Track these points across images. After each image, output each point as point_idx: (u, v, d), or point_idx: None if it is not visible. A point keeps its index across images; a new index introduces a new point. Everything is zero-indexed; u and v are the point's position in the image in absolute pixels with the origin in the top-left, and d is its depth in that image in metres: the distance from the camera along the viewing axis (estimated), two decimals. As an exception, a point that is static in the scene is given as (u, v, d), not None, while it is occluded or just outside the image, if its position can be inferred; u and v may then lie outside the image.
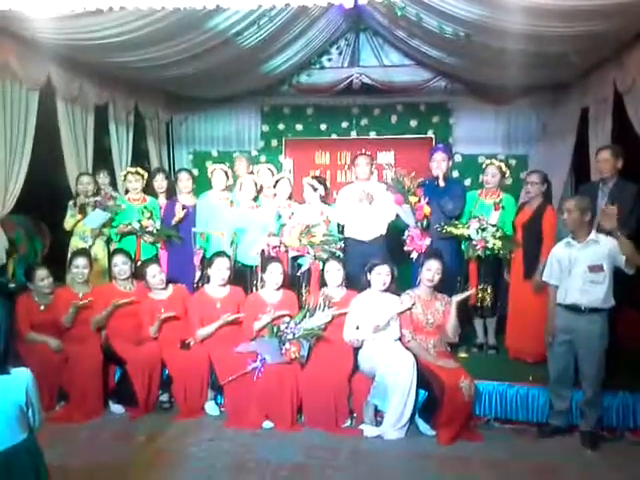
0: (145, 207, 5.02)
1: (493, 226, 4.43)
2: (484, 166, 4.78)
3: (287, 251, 4.70)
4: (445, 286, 4.20)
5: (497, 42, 4.64)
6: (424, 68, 6.65)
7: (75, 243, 4.95)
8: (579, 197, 3.76)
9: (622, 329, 4.11)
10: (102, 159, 5.91)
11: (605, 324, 3.55)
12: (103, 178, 5.24)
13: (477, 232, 4.41)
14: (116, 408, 4.12)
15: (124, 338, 4.18)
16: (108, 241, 5.06)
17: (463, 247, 4.60)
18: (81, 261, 4.33)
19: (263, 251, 4.68)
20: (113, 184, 5.51)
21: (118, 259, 4.36)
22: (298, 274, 4.76)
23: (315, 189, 4.84)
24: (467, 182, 6.44)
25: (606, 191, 4.17)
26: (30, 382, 2.18)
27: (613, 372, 3.70)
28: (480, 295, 4.56)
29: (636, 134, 4.41)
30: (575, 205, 3.56)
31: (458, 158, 6.73)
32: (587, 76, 5.43)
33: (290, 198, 5.01)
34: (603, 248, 3.51)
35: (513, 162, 6.53)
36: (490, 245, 4.38)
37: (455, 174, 6.49)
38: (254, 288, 4.71)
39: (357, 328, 4.03)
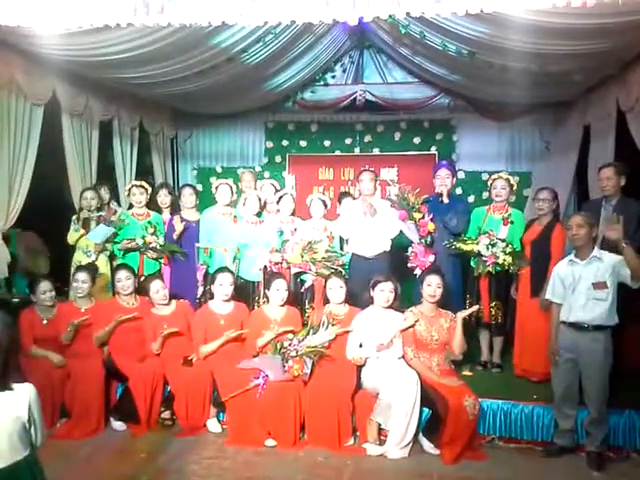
0: (149, 222, 5.04)
1: (503, 241, 4.41)
2: (491, 181, 4.77)
3: (289, 267, 4.69)
4: (451, 303, 4.19)
5: (500, 60, 4.68)
6: (427, 85, 6.70)
7: (78, 258, 4.95)
8: (586, 213, 3.75)
9: (627, 347, 4.08)
10: (106, 174, 5.94)
11: (609, 342, 3.52)
12: (104, 193, 5.25)
13: (487, 248, 4.39)
14: (118, 425, 4.08)
15: (126, 354, 4.16)
16: (111, 256, 5.06)
17: (473, 263, 4.57)
18: (81, 276, 4.33)
19: (265, 267, 4.68)
20: (117, 199, 5.52)
21: (121, 274, 4.35)
22: (302, 290, 4.75)
23: (325, 205, 4.85)
24: (470, 199, 6.46)
25: (609, 209, 4.17)
26: (33, 398, 2.16)
27: (619, 391, 3.67)
28: (493, 312, 4.52)
29: (638, 152, 4.42)
30: (585, 221, 3.55)
31: (461, 175, 6.74)
32: (590, 94, 5.47)
33: (293, 214, 5.02)
34: (606, 264, 3.50)
35: (516, 179, 6.50)
36: (500, 261, 4.36)
37: (458, 191, 6.50)
38: (256, 304, 4.70)
39: (360, 346, 4.01)
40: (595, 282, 3.50)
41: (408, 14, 3.15)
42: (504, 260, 4.35)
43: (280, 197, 5.00)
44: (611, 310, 3.50)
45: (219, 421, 4.11)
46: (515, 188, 4.80)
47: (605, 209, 4.20)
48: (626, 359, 4.02)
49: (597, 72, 4.79)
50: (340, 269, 4.53)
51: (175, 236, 4.96)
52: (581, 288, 3.55)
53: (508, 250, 4.37)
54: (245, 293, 4.75)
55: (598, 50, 4.09)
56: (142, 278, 4.70)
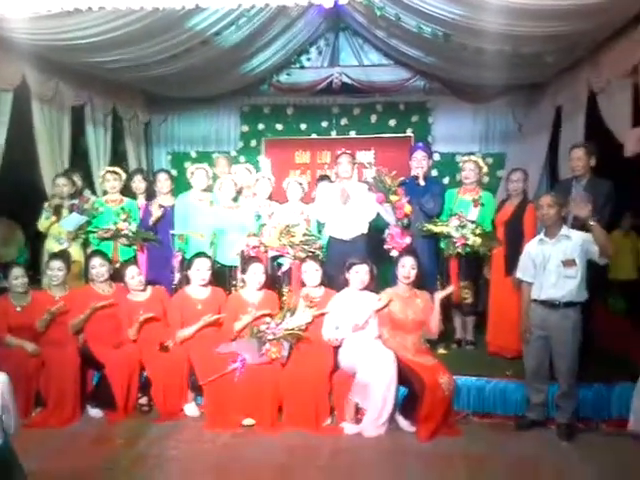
0: (122, 208, 4.98)
1: (472, 223, 4.47)
2: (461, 163, 4.82)
3: (266, 251, 4.69)
4: (425, 284, 4.24)
5: (475, 42, 4.70)
6: (403, 68, 6.69)
7: (50, 245, 4.88)
8: (556, 193, 3.82)
9: (596, 323, 4.19)
10: (79, 161, 5.84)
11: (578, 318, 3.61)
12: (77, 180, 5.17)
13: (457, 229, 4.45)
14: (94, 412, 4.07)
15: (102, 341, 4.14)
16: (85, 243, 5.00)
17: (442, 245, 4.63)
18: (56, 263, 4.27)
19: (243, 251, 4.67)
20: (91, 186, 5.44)
21: (95, 261, 4.31)
22: (279, 274, 4.76)
23: (302, 188, 4.86)
24: (445, 181, 6.51)
25: (579, 188, 4.24)
26: (6, 387, 2.15)
27: (588, 365, 3.77)
28: (461, 293, 4.59)
29: (609, 132, 4.49)
30: (554, 201, 3.63)
31: (437, 157, 6.78)
32: (562, 75, 5.51)
33: (270, 198, 5.00)
34: (575, 242, 3.58)
35: (490, 160, 6.57)
36: (470, 242, 4.42)
37: (434, 173, 6.54)
38: (233, 289, 4.70)
39: (337, 328, 4.05)
40: (564, 260, 3.58)
41: (382, -4, 3.16)
42: (474, 242, 4.42)
43: (256, 181, 4.98)
44: (580, 287, 3.59)
45: (197, 405, 4.12)
46: (485, 170, 4.84)
47: (575, 189, 4.27)
48: (594, 335, 4.12)
49: (569, 53, 4.82)
50: (318, 252, 4.55)
51: (151, 222, 4.93)
52: (551, 266, 3.62)
53: (478, 232, 4.43)
54: (222, 278, 4.74)
55: (569, 32, 4.12)
56: (117, 264, 4.66)
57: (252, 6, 4.28)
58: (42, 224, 4.92)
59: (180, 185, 5.41)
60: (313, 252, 4.50)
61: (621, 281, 6.04)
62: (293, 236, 4.55)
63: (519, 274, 3.86)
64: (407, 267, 4.03)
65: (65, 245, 4.81)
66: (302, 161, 7.17)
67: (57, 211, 4.89)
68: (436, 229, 4.53)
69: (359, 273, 4.07)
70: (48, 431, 3.79)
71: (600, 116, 4.66)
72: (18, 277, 4.19)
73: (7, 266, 4.29)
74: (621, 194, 4.14)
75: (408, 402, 3.84)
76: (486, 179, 5.31)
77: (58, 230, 4.86)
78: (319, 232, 4.87)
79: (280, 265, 4.76)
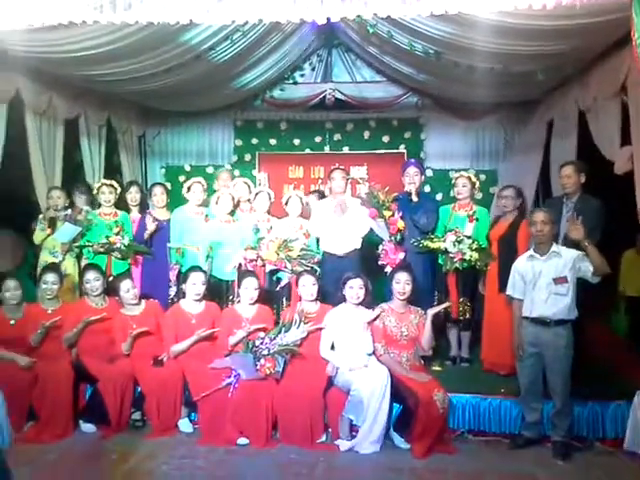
0: (115, 222, 4.97)
1: (469, 238, 4.50)
2: (454, 179, 4.87)
3: (264, 265, 4.69)
4: (421, 300, 4.26)
5: (466, 60, 4.76)
6: (396, 84, 6.75)
7: (44, 258, 4.85)
8: (548, 210, 3.85)
9: (589, 340, 4.22)
10: (73, 173, 5.82)
11: (570, 335, 3.63)
12: (79, 195, 5.16)
13: (454, 245, 4.47)
14: (87, 427, 4.03)
15: (96, 355, 4.11)
16: (79, 256, 4.97)
17: (440, 260, 4.65)
18: (50, 277, 4.25)
19: (240, 265, 4.66)
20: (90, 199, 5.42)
21: (90, 275, 4.29)
22: (277, 289, 4.76)
23: (304, 203, 4.88)
24: (438, 197, 6.53)
25: (570, 206, 4.28)
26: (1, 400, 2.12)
27: (582, 382, 3.78)
28: (461, 308, 4.61)
29: (599, 150, 4.55)
30: (548, 218, 3.66)
31: (429, 173, 6.83)
32: (552, 93, 5.59)
33: (269, 212, 5.01)
34: (565, 260, 3.61)
35: (483, 177, 6.63)
36: (467, 257, 4.45)
37: (427, 189, 6.58)
38: (230, 303, 4.68)
39: (332, 346, 4.04)
40: (556, 277, 3.60)
41: (375, 14, 3.20)
42: (471, 256, 4.44)
43: (255, 194, 4.99)
44: (572, 304, 3.61)
45: (191, 421, 4.10)
46: (477, 186, 4.89)
47: (566, 206, 4.31)
48: (588, 352, 4.14)
49: (558, 72, 4.90)
50: (315, 267, 4.55)
51: (146, 235, 4.92)
52: (542, 283, 3.64)
53: (474, 246, 4.47)
54: (218, 292, 4.73)
55: (559, 51, 4.19)
56: (110, 278, 4.64)
57: (246, 22, 4.32)
58: (37, 237, 4.90)
59: (175, 198, 5.41)
60: (311, 267, 4.51)
61: (629, 297, 6.10)
62: (291, 250, 4.56)
63: (509, 290, 3.88)
64: (402, 283, 4.05)
65: (59, 258, 4.78)
66: (295, 176, 7.18)
67: (52, 224, 4.87)
68: (433, 245, 4.55)
69: (353, 288, 4.08)
70: (40, 446, 3.73)
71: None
72: (10, 289, 4.16)
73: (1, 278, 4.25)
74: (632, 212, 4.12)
75: (403, 419, 3.84)
76: (479, 195, 5.35)
77: (52, 243, 4.85)
78: (317, 247, 4.87)
79: (279, 280, 4.75)
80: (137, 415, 4.12)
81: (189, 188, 5.05)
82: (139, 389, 4.11)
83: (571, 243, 3.78)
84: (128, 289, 4.23)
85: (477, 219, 4.67)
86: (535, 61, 4.50)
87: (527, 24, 3.68)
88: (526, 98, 6.05)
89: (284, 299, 4.73)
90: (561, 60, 4.46)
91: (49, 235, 4.86)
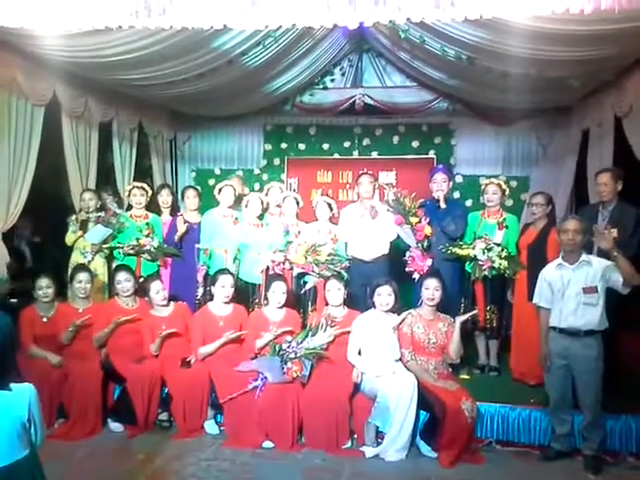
0: (146, 224, 5.04)
1: (498, 245, 4.44)
2: (483, 186, 4.81)
3: (292, 268, 4.70)
4: (448, 307, 4.20)
5: (499, 65, 4.71)
6: (426, 89, 6.71)
7: (75, 258, 4.94)
8: (579, 218, 3.76)
9: (622, 352, 4.10)
10: (105, 176, 5.93)
11: (601, 346, 3.52)
12: (106, 196, 5.25)
13: (483, 252, 4.41)
14: (115, 426, 4.08)
15: (125, 355, 4.16)
16: (108, 257, 5.05)
17: (468, 268, 4.59)
18: (84, 276, 4.33)
19: (267, 268, 4.68)
20: (117, 201, 5.52)
21: (121, 276, 4.35)
22: (302, 292, 4.76)
23: (331, 207, 4.87)
24: (468, 203, 6.47)
25: (606, 214, 4.18)
26: (33, 398, 2.16)
27: (615, 395, 3.69)
28: (488, 316, 4.54)
29: (636, 157, 4.45)
30: (581, 226, 3.56)
31: (459, 179, 6.79)
32: (587, 100, 5.50)
33: (297, 217, 5.03)
34: (596, 269, 3.51)
35: (514, 184, 6.56)
36: (496, 265, 4.38)
37: (456, 195, 6.53)
38: (256, 306, 4.70)
39: (359, 352, 4.02)
40: (585, 287, 3.50)
41: (408, 19, 3.18)
42: (500, 264, 4.37)
43: (284, 199, 5.01)
44: (602, 315, 3.50)
45: (217, 423, 4.11)
46: (507, 193, 4.81)
47: (602, 214, 4.21)
48: (621, 364, 4.03)
49: (594, 78, 4.82)
50: (342, 272, 4.54)
51: (177, 237, 4.98)
52: (570, 293, 3.54)
53: (504, 254, 4.39)
54: (244, 295, 4.75)
55: (595, 56, 4.12)
56: (140, 279, 4.70)
57: (278, 27, 4.37)
58: (69, 238, 5.00)
59: (204, 202, 5.45)
60: (338, 272, 4.50)
61: None
62: (319, 254, 4.56)
63: (535, 299, 3.78)
64: (431, 289, 4.00)
65: (89, 258, 4.87)
66: (324, 180, 7.20)
67: (83, 225, 4.97)
68: (461, 252, 4.49)
69: (381, 295, 4.04)
70: (69, 443, 3.80)
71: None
72: (42, 287, 4.25)
73: (35, 276, 4.34)
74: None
75: (429, 427, 3.79)
76: (510, 202, 5.27)
77: (83, 244, 4.93)
78: (345, 252, 4.85)
79: (305, 283, 4.76)
80: (164, 416, 4.15)
81: (220, 190, 5.08)
82: (166, 390, 4.14)
83: (604, 253, 3.70)
84: (158, 290, 4.28)
85: (507, 226, 4.60)
86: (571, 67, 4.44)
87: (564, 29, 3.62)
88: (560, 104, 5.97)
89: (309, 303, 4.71)
90: (598, 66, 4.39)
91: (80, 237, 4.95)
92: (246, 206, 4.98)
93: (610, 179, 4.18)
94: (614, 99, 4.84)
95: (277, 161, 7.36)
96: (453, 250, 4.52)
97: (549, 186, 5.61)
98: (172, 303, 4.40)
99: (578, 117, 5.80)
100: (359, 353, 4.03)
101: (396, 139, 7.13)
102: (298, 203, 4.99)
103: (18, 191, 4.72)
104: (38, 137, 4.85)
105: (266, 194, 5.23)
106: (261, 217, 5.04)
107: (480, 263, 4.43)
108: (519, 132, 6.81)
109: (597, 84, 5.05)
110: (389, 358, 3.97)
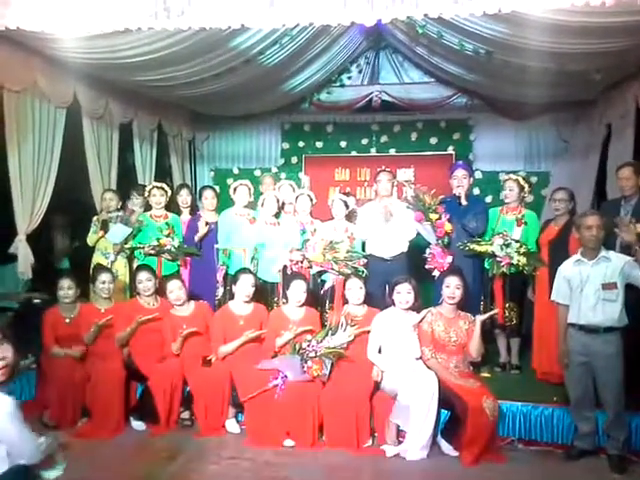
0: (166, 224, 5.07)
1: (517, 242, 4.39)
2: (503, 182, 4.76)
3: (310, 267, 4.70)
4: (468, 305, 4.16)
5: (518, 59, 4.65)
6: (444, 85, 6.68)
7: (97, 259, 5.00)
8: (599, 213, 3.69)
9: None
10: (125, 176, 6.00)
11: (620, 343, 3.46)
12: (136, 196, 5.32)
13: (501, 248, 4.37)
14: (137, 425, 4.12)
15: (146, 354, 4.19)
16: (129, 257, 5.10)
17: (487, 264, 4.55)
18: (106, 276, 4.38)
19: (285, 267, 4.69)
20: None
21: (142, 275, 4.38)
22: (322, 291, 4.75)
23: (347, 205, 4.85)
24: (488, 199, 6.39)
25: (629, 208, 4.11)
26: (8, 412, 2.05)
27: (638, 392, 3.61)
28: (507, 314, 4.50)
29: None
30: (602, 221, 3.50)
31: (479, 175, 6.71)
32: (609, 93, 5.41)
33: (310, 215, 5.02)
34: (615, 265, 3.45)
35: (535, 179, 6.49)
36: (515, 261, 4.33)
37: (476, 191, 6.46)
38: (275, 305, 4.71)
39: (379, 350, 4.00)
40: (604, 282, 3.45)
41: (426, 15, 3.15)
42: (518, 261, 4.33)
43: (297, 197, 5.01)
44: (622, 311, 3.44)
45: (238, 421, 4.13)
46: (527, 189, 4.75)
47: (624, 209, 4.14)
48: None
49: (616, 70, 4.73)
50: (362, 269, 4.53)
51: (197, 238, 5.01)
52: (589, 289, 3.49)
53: (522, 251, 4.35)
54: (263, 294, 4.76)
55: (617, 49, 4.05)
56: (160, 279, 4.74)
57: (295, 26, 4.36)
58: (90, 238, 5.07)
59: (223, 201, 5.48)
60: (357, 269, 4.48)
61: None
62: (337, 252, 4.55)
63: (553, 296, 3.73)
64: (452, 287, 3.97)
65: (111, 259, 4.92)
66: (342, 178, 7.20)
67: (104, 225, 5.02)
68: (480, 248, 4.45)
69: (401, 293, 4.01)
70: (92, 442, 3.84)
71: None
72: (64, 288, 4.30)
73: (58, 277, 4.39)
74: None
75: (451, 426, 3.77)
76: (530, 198, 5.21)
77: (105, 244, 4.99)
78: (363, 250, 4.83)
79: (323, 282, 4.75)
80: (186, 414, 4.19)
81: (235, 190, 5.10)
82: (188, 389, 4.17)
83: (626, 247, 3.63)
84: (172, 290, 4.28)
85: (525, 223, 4.55)
86: (592, 60, 4.36)
87: (584, 21, 3.57)
88: (581, 98, 5.87)
89: (327, 301, 4.70)
90: (619, 58, 4.30)
91: (102, 237, 5.00)
92: (262, 205, 4.99)
93: (632, 173, 4.13)
94: (637, 91, 4.75)
95: (295, 159, 7.37)
96: (471, 246, 4.49)
97: (571, 181, 5.54)
98: (193, 302, 4.42)
99: (600, 110, 5.70)
100: (379, 351, 4.02)
101: (414, 136, 7.09)
102: (312, 200, 4.99)
103: (42, 192, 4.78)
104: (61, 139, 4.92)
105: None
106: (277, 216, 5.04)
107: (498, 259, 4.39)
108: (539, 127, 6.71)
109: (619, 76, 4.96)
110: (409, 356, 3.95)
